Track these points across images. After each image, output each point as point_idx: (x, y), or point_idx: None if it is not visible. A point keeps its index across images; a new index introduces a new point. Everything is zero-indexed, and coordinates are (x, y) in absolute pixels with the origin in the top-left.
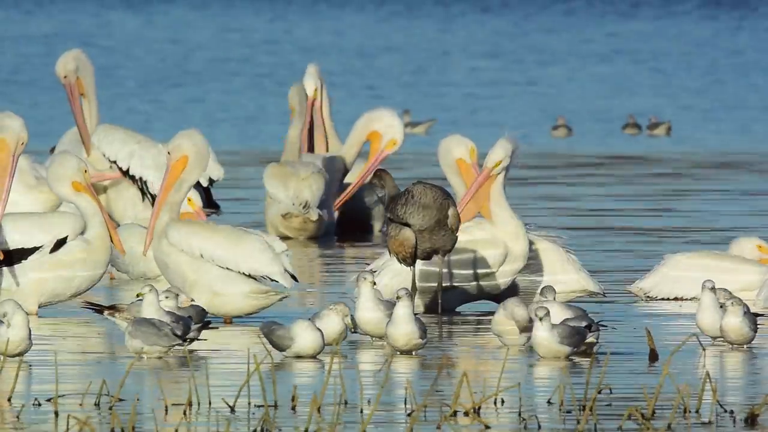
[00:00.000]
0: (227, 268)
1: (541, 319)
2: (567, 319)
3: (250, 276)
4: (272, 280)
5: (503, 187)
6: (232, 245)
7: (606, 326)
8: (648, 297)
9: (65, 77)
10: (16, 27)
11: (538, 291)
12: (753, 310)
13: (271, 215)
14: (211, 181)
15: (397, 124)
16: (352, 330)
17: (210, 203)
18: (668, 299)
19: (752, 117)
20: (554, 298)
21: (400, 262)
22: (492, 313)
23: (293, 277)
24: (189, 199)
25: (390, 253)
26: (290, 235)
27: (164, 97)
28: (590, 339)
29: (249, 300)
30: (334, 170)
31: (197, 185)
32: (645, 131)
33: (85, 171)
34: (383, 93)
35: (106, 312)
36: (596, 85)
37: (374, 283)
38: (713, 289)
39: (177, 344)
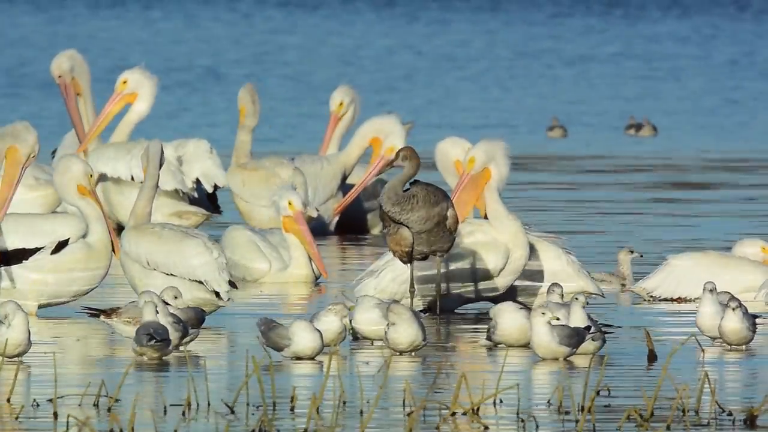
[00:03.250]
0: (170, 274)
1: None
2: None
3: (192, 280)
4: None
5: (499, 193)
6: (172, 251)
7: (612, 332)
8: (651, 297)
9: (60, 77)
10: (15, 28)
11: (546, 290)
12: (753, 310)
13: (262, 218)
14: (215, 187)
15: (398, 131)
16: (352, 337)
17: (214, 207)
18: (671, 299)
19: (746, 118)
20: (562, 295)
21: (400, 260)
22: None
23: (232, 283)
24: (290, 203)
25: (390, 251)
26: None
27: (163, 99)
28: (593, 342)
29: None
30: (334, 172)
31: (201, 190)
32: (627, 131)
33: (90, 175)
34: (376, 94)
35: (102, 316)
36: (591, 86)
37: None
38: (713, 290)
39: (158, 344)
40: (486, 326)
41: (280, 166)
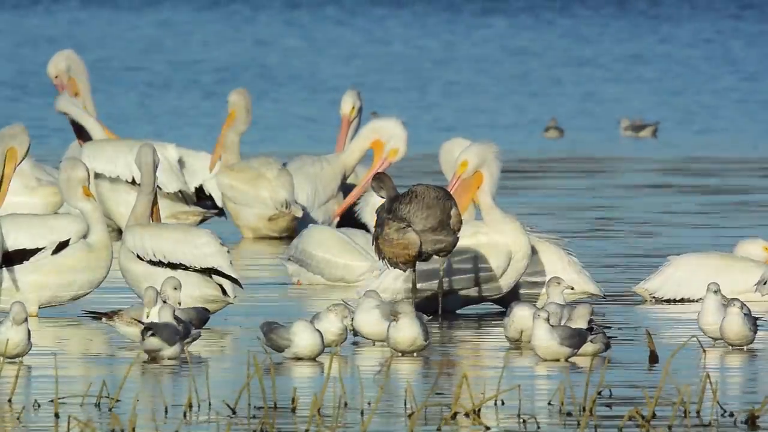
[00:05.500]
0: (179, 264)
1: (547, 320)
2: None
3: (200, 271)
4: (223, 276)
5: (493, 197)
6: (180, 240)
7: (615, 336)
8: (653, 298)
9: (56, 77)
10: (14, 29)
11: (546, 283)
12: (756, 310)
13: (249, 218)
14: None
15: (401, 133)
16: (354, 334)
17: (214, 206)
18: (674, 300)
19: (746, 119)
20: (563, 289)
21: (394, 266)
22: (491, 315)
23: (236, 281)
24: None
25: (383, 257)
26: (274, 235)
27: (163, 99)
28: (593, 344)
29: (198, 304)
30: (335, 173)
31: (201, 192)
32: (625, 132)
33: (89, 177)
34: (376, 94)
35: (104, 318)
36: (586, 87)
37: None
38: (717, 291)
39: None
40: (485, 326)
41: (266, 166)
